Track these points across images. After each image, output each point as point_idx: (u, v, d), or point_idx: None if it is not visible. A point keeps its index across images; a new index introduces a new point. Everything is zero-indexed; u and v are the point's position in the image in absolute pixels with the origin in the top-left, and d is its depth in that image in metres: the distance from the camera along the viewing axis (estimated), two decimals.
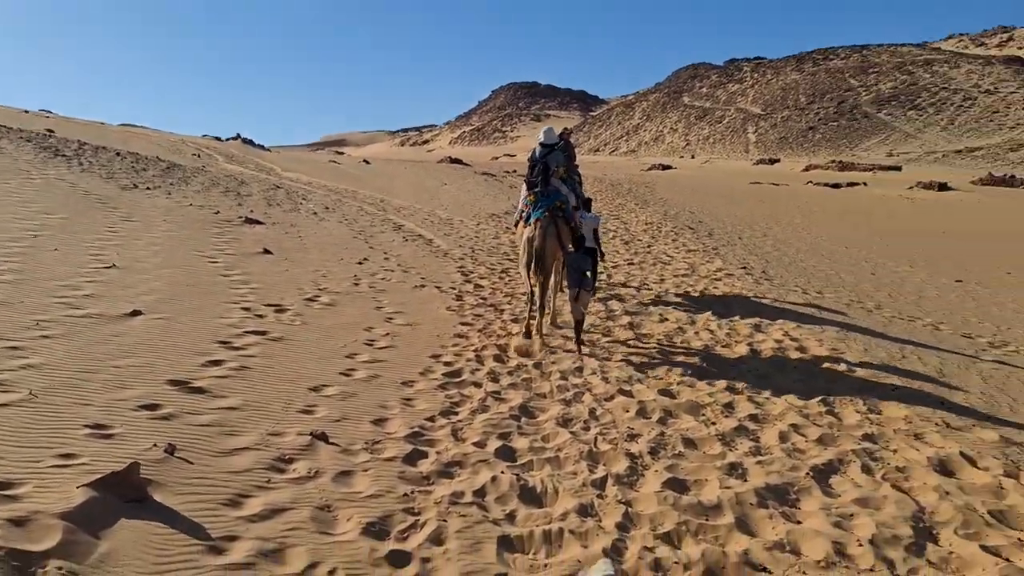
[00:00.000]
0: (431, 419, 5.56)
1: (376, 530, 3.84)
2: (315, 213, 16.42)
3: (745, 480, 4.81)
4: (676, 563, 3.69)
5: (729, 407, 6.26)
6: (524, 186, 8.86)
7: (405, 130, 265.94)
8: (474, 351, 7.54)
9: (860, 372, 7.45)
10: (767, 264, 15.19)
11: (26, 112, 36.45)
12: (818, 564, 3.79)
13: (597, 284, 8.97)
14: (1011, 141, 70.59)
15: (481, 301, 9.87)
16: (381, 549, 3.65)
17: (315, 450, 4.69)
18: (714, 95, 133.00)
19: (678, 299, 10.82)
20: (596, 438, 5.41)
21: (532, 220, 8.15)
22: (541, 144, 8.76)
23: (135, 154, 21.22)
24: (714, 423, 5.87)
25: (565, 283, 8.26)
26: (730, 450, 5.32)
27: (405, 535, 3.87)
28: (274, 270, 10.03)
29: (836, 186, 47.40)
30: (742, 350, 8.13)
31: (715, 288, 11.81)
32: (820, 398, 6.52)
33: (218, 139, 46.25)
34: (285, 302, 8.44)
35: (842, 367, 7.61)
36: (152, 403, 5.00)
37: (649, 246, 16.46)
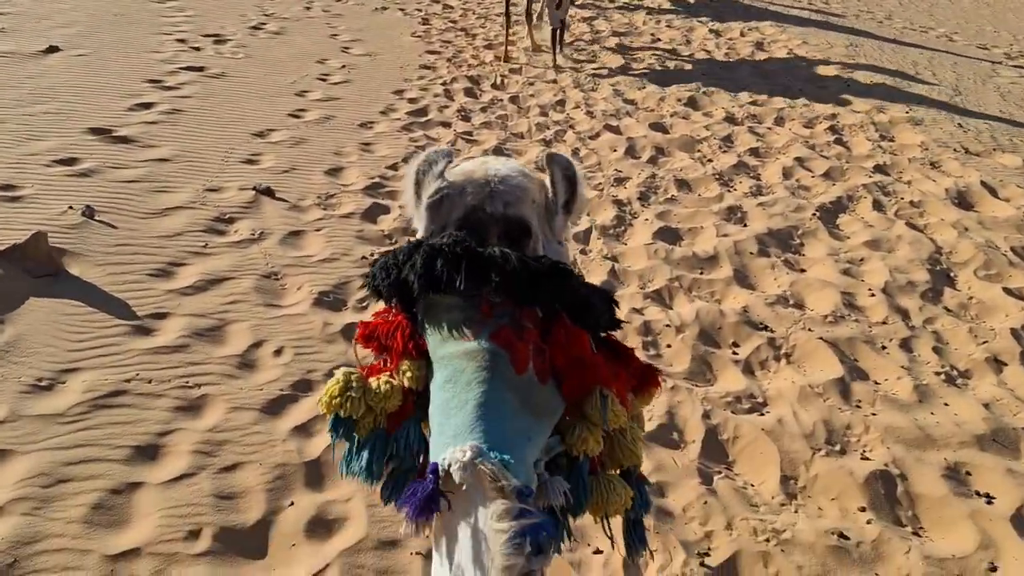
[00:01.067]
0: (393, 167, 4.92)
1: (330, 300, 3.37)
2: None
3: (744, 225, 4.31)
4: (668, 326, 3.28)
5: (728, 140, 5.62)
6: None
7: None
8: (442, 84, 6.68)
9: (871, 91, 6.73)
10: None
11: None
12: (825, 319, 3.39)
13: None
14: None
15: (450, 25, 8.75)
16: (336, 323, 3.19)
17: (259, 207, 4.10)
18: None
19: (670, 6, 9.73)
20: None
21: None
22: None
23: None
24: (711, 160, 5.26)
25: None
26: (728, 191, 4.77)
27: (364, 303, 3.40)
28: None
29: None
30: (743, 73, 7.30)
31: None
32: (827, 125, 5.88)
33: None
34: (226, 31, 7.37)
35: (851, 88, 6.86)
36: (69, 156, 4.33)
37: None
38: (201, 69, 6.20)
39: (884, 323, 3.41)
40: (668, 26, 9.07)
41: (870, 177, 4.93)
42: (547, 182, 1.20)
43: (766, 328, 3.35)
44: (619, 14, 9.67)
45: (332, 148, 5.07)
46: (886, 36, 9.21)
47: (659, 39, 8.48)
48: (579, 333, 1.08)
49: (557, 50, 7.40)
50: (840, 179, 4.95)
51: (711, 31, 8.80)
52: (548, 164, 1.20)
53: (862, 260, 3.96)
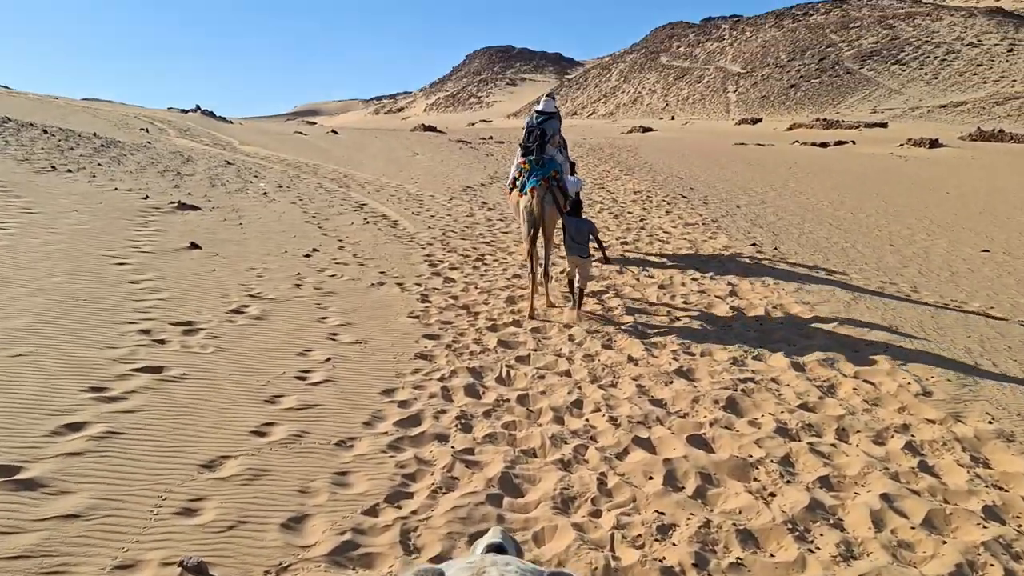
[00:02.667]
0: (372, 510, 3.85)
1: None
2: (265, 193, 14.51)
3: None
4: None
5: (787, 464, 4.57)
6: (519, 151, 8.62)
7: (379, 98, 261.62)
8: (440, 379, 5.81)
9: (939, 395, 5.81)
10: (776, 237, 13.53)
11: None
12: None
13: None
14: (996, 95, 69.07)
15: (451, 302, 8.12)
16: None
17: None
18: (692, 54, 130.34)
19: (684, 288, 9.13)
20: (612, 537, 3.73)
21: (528, 188, 8.00)
22: (538, 111, 8.49)
23: (68, 131, 19.09)
24: (773, 494, 4.18)
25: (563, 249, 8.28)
26: (809, 550, 3.64)
27: None
28: (198, 271, 8.21)
29: (823, 145, 45.96)
30: (780, 367, 6.45)
31: (724, 268, 10.13)
32: (902, 441, 4.87)
33: (183, 111, 43.78)
34: (201, 317, 6.65)
35: (922, 398, 5.95)
36: None
37: (642, 220, 14.73)
38: (159, 370, 5.34)
39: None
40: (684, 307, 8.44)
41: (984, 528, 3.82)
42: None
43: None
44: (635, 277, 9.15)
45: (297, 483, 4.03)
46: (924, 319, 8.55)
47: (676, 318, 7.78)
48: None
49: (576, 305, 7.73)
50: (948, 531, 3.84)
51: (733, 310, 8.13)
52: None
53: None
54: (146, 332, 6.08)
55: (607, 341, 7.01)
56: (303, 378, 5.58)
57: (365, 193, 16.45)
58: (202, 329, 6.34)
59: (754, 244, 12.21)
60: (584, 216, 8.15)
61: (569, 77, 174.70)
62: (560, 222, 8.11)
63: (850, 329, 7.41)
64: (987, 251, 13.88)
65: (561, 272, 9.47)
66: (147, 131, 25.88)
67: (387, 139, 39.12)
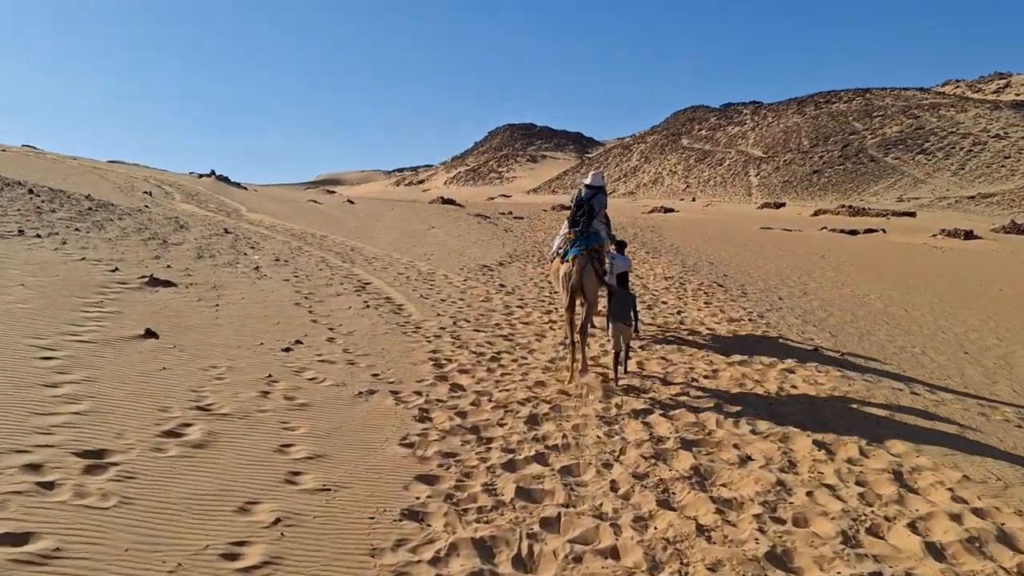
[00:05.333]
0: None
1: None
2: (257, 268, 12.97)
3: None
4: None
5: None
6: (566, 223, 8.91)
7: (401, 170, 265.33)
8: (433, 561, 4.04)
9: None
10: (835, 339, 11.78)
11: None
12: None
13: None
14: None
15: (458, 422, 6.38)
16: None
17: None
18: (713, 137, 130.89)
19: (752, 411, 7.35)
20: None
21: (570, 257, 8.24)
22: (587, 186, 8.79)
23: (58, 192, 17.83)
24: None
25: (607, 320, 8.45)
26: None
27: None
28: (143, 369, 6.55)
29: (853, 232, 44.51)
30: (910, 550, 4.64)
31: (791, 385, 8.35)
32: None
33: (200, 176, 43.09)
34: (119, 444, 4.95)
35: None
36: None
37: (679, 312, 13.03)
38: (22, 541, 3.62)
39: None
40: (747, 427, 6.65)
41: None
42: None
43: None
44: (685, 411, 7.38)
45: None
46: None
47: (749, 458, 5.99)
48: None
49: (614, 371, 8.10)
50: None
51: (818, 446, 6.33)
52: None
53: None
54: (33, 468, 4.38)
55: (663, 493, 5.22)
56: (233, 557, 3.83)
57: (371, 270, 14.91)
58: (113, 464, 4.63)
59: (816, 349, 10.44)
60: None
61: (589, 156, 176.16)
62: (598, 291, 8.40)
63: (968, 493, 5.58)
64: None
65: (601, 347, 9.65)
66: (150, 194, 24.70)
67: (403, 211, 37.99)
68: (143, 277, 10.08)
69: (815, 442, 6.33)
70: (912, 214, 59.33)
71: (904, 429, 6.98)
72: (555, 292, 14.51)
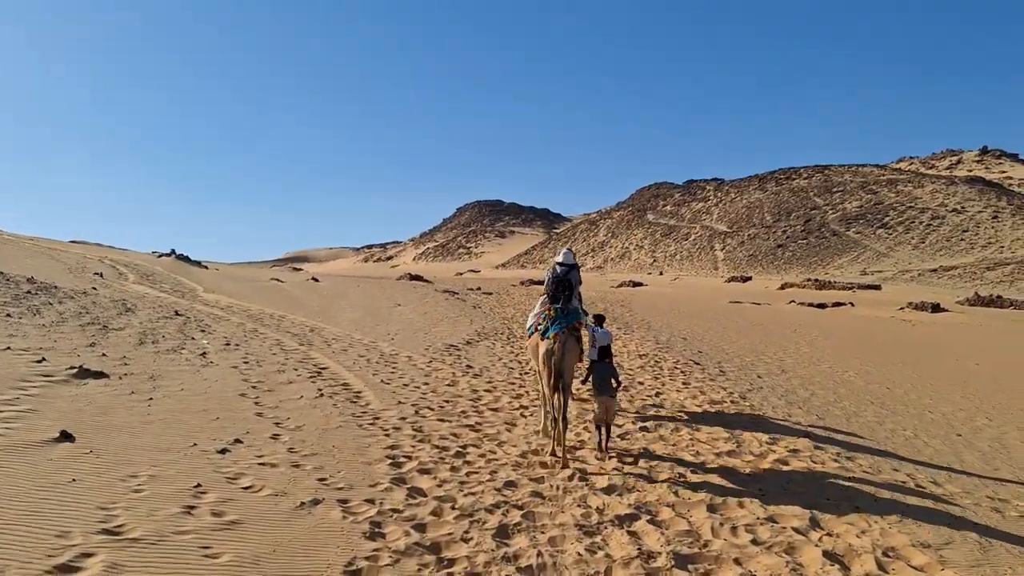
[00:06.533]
0: None
1: None
2: (204, 354, 12.00)
3: None
4: None
5: None
6: (542, 299, 8.99)
7: (370, 246, 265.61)
8: None
9: None
10: (823, 420, 11.10)
11: None
12: None
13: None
14: (986, 260, 69.10)
15: (415, 538, 5.47)
16: None
17: None
18: (678, 213, 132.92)
19: (748, 517, 6.54)
20: None
21: (551, 334, 8.12)
22: (560, 264, 8.78)
23: None
24: None
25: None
26: None
27: None
28: (46, 482, 5.58)
29: (821, 306, 44.56)
30: None
31: (787, 480, 7.57)
32: None
33: (160, 255, 42.00)
34: None
35: None
36: None
37: (657, 393, 12.29)
38: None
39: None
40: (748, 537, 5.84)
41: None
42: None
43: None
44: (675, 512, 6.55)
45: None
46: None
47: (751, 539, 5.17)
48: None
49: (603, 444, 8.38)
50: None
51: (829, 558, 5.53)
52: None
53: None
54: None
55: None
56: None
57: (329, 353, 13.99)
58: None
59: (808, 435, 9.71)
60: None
61: (557, 231, 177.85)
62: (576, 367, 8.47)
63: None
64: None
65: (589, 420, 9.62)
66: (101, 275, 23.62)
67: (369, 288, 37.14)
68: (72, 368, 9.11)
69: (825, 554, 5.52)
70: (877, 287, 59.85)
71: (916, 531, 6.21)
72: (528, 372, 13.73)
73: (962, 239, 79.91)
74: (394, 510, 6.02)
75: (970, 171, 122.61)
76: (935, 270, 69.09)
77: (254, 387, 10.03)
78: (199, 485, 6.01)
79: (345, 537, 5.35)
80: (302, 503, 5.91)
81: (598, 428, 8.47)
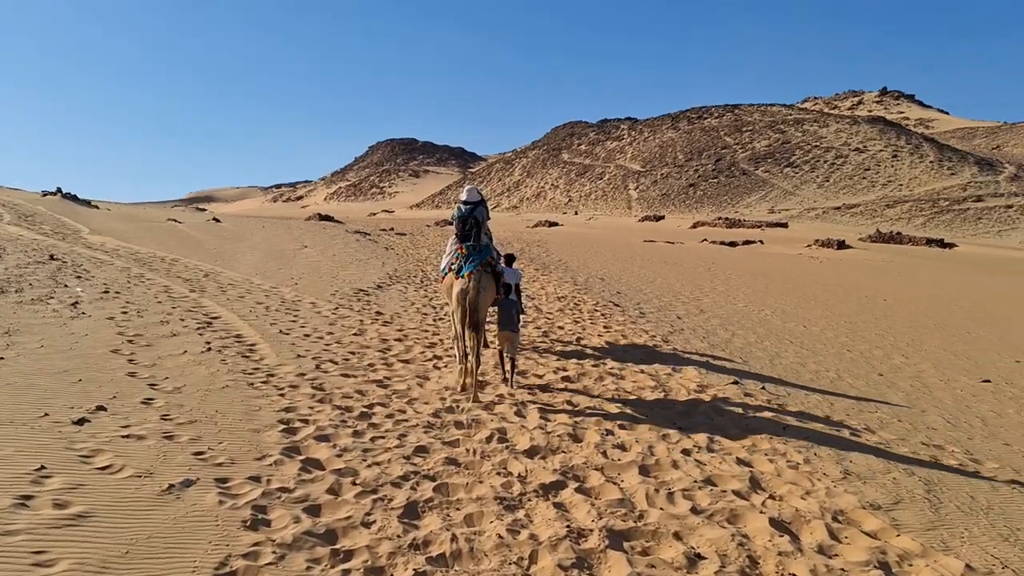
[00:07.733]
0: None
1: None
2: (75, 304, 10.63)
3: None
4: None
5: None
6: (452, 239, 8.80)
7: (278, 186, 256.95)
8: None
9: None
10: (747, 364, 10.76)
11: None
12: None
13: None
14: (886, 197, 71.78)
15: (307, 526, 4.62)
16: None
17: None
18: (593, 152, 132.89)
19: (678, 472, 5.97)
20: None
21: (465, 273, 8.12)
22: (464, 202, 8.57)
23: None
24: None
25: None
26: None
27: None
28: None
29: (732, 244, 45.34)
30: None
31: (720, 432, 7.06)
32: None
33: (44, 194, 38.63)
34: None
35: None
36: None
37: (579, 339, 11.68)
38: None
39: None
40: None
41: None
42: None
43: None
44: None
45: None
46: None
47: (691, 510, 4.57)
48: None
49: (510, 378, 8.51)
50: None
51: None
52: None
53: None
54: None
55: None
56: None
57: (224, 300, 12.77)
58: None
59: (737, 383, 9.27)
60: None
61: (472, 171, 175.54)
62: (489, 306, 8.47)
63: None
64: (988, 381, 11.54)
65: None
66: None
67: (275, 228, 35.28)
68: None
69: (772, 522, 4.98)
70: (784, 224, 61.42)
71: (863, 489, 5.77)
72: (442, 318, 12.91)
73: (864, 177, 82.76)
74: (283, 489, 5.14)
75: (870, 111, 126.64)
76: (838, 208, 71.41)
77: (130, 341, 8.85)
78: (42, 467, 4.96)
79: (220, 529, 4.45)
80: (170, 486, 4.95)
81: (501, 362, 8.84)
